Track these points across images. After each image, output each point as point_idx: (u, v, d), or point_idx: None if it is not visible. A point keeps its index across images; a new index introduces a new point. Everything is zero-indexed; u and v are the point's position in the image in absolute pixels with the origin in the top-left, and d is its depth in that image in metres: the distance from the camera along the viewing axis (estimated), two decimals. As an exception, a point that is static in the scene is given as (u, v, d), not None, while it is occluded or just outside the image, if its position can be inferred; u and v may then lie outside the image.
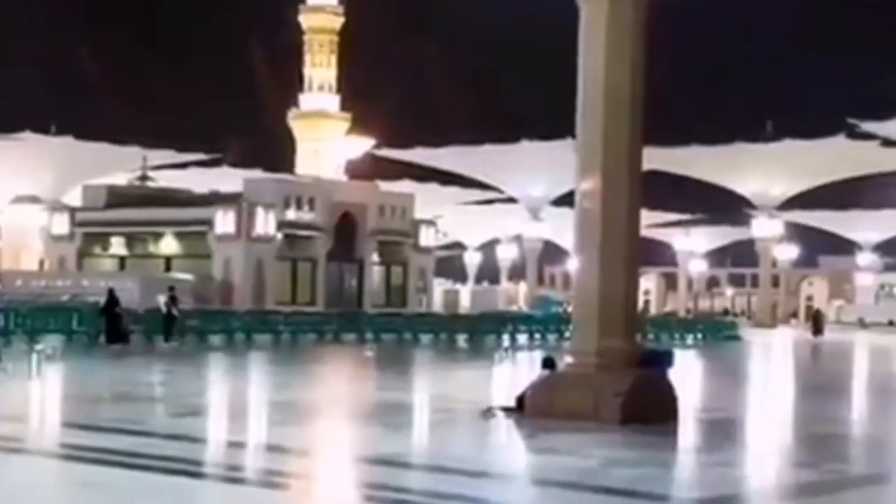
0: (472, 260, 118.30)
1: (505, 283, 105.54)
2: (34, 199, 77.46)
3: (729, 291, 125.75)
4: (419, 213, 62.02)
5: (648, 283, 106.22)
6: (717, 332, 54.67)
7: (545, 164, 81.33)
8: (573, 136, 17.82)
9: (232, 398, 21.12)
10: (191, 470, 11.80)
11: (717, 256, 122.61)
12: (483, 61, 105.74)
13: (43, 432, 15.36)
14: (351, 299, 57.77)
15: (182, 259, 55.54)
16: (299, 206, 55.79)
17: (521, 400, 17.12)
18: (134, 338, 34.88)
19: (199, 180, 72.87)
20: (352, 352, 36.42)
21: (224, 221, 53.68)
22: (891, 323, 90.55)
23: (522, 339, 45.16)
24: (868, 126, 76.11)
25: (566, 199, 75.67)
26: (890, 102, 73.26)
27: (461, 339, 43.42)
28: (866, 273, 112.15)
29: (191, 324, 38.47)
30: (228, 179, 66.44)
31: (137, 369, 26.57)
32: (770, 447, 15.55)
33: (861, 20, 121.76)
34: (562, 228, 77.45)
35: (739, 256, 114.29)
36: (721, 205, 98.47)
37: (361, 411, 18.47)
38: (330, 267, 57.26)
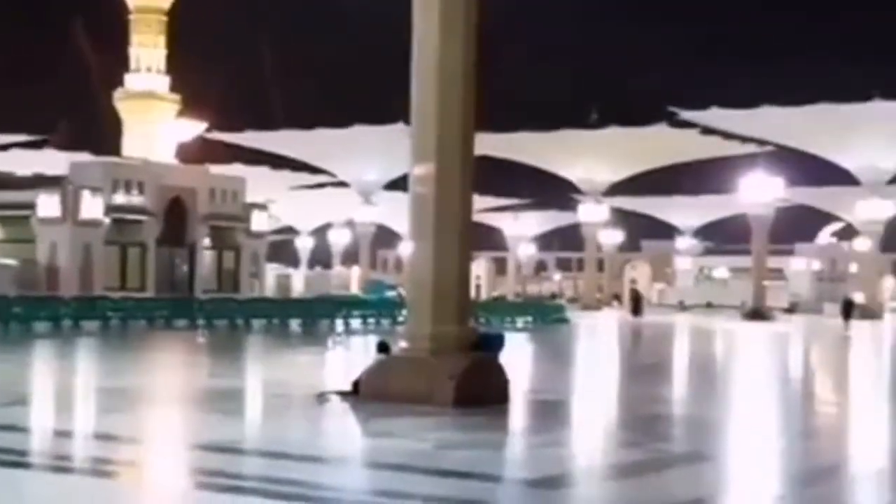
0: (305, 244, 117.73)
1: (338, 268, 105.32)
2: None
3: (557, 275, 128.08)
4: (251, 198, 61.48)
5: (479, 267, 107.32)
6: (545, 316, 55.78)
7: (378, 149, 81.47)
8: (406, 121, 17.94)
9: (59, 386, 20.62)
10: (18, 460, 11.51)
11: (546, 241, 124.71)
12: (315, 48, 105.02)
13: None
14: (182, 284, 57.01)
15: (4, 244, 53.91)
16: (128, 190, 54.70)
17: (356, 384, 17.22)
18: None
19: (22, 163, 70.71)
20: (183, 338, 35.93)
21: (48, 205, 52.32)
22: (709, 305, 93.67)
23: (356, 323, 45.26)
24: (688, 115, 78.35)
25: (399, 184, 76.01)
26: (709, 92, 75.53)
27: (295, 324, 43.26)
28: (686, 257, 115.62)
29: (15, 311, 37.39)
30: (54, 162, 64.62)
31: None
32: (597, 427, 16.00)
33: (685, 10, 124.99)
34: (394, 213, 77.82)
35: (566, 241, 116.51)
36: (549, 190, 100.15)
37: (194, 398, 18.29)
38: (160, 252, 56.35)
